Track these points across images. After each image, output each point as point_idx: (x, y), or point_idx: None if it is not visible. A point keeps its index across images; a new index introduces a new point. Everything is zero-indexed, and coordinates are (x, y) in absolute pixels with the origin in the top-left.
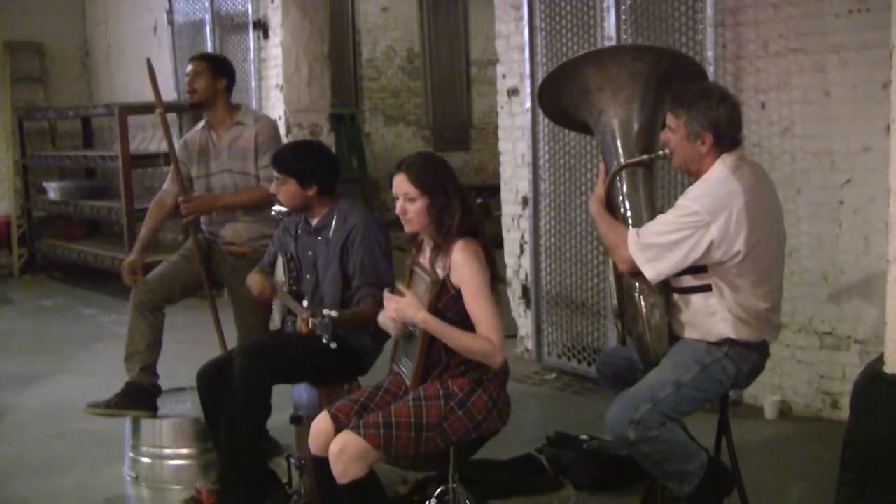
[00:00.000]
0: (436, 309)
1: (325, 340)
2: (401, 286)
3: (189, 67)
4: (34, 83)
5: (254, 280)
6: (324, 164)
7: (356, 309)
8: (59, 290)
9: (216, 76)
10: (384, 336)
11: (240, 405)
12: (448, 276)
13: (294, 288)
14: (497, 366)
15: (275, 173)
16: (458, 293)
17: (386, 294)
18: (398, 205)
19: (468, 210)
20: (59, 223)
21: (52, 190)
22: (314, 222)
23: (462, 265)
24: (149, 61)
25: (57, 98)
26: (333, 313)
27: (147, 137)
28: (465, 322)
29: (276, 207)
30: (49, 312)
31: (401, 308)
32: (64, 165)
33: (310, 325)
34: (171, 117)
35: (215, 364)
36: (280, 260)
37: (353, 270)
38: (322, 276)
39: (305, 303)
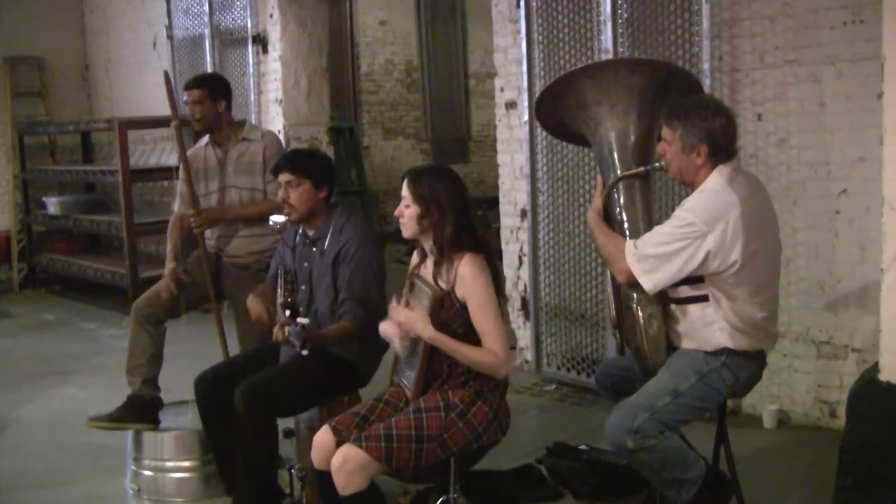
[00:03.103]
0: (438, 321)
1: (296, 348)
2: (405, 305)
3: (186, 97)
4: (34, 98)
5: (253, 304)
6: (331, 167)
7: (334, 325)
8: (60, 304)
9: (215, 99)
10: (381, 348)
11: (248, 443)
12: (453, 288)
13: (289, 300)
14: (503, 377)
15: (286, 177)
16: (463, 306)
17: (393, 306)
18: (398, 206)
19: (466, 227)
20: (58, 238)
21: (52, 204)
22: (311, 233)
23: (469, 278)
24: (166, 74)
25: (57, 112)
26: (304, 320)
27: (147, 152)
28: (468, 334)
29: (274, 219)
30: (49, 327)
31: (410, 321)
32: (64, 180)
33: (285, 333)
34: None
35: (214, 371)
36: (279, 272)
37: (341, 284)
38: (316, 287)
39: (288, 312)
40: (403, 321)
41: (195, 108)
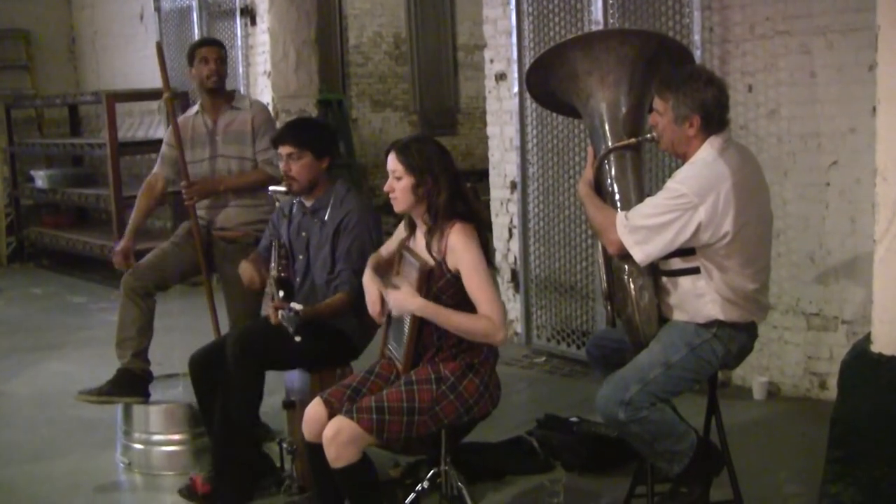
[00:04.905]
0: (428, 294)
1: (290, 333)
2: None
3: (205, 53)
4: (20, 70)
5: (244, 269)
6: (332, 136)
7: (329, 301)
8: (48, 278)
9: (227, 62)
10: (375, 322)
11: (233, 392)
12: (444, 258)
13: (283, 274)
14: (500, 343)
15: (287, 149)
16: (454, 277)
17: (372, 279)
18: (387, 182)
19: (458, 194)
20: (46, 211)
21: (40, 178)
22: (310, 204)
23: (459, 247)
24: (159, 46)
25: (44, 85)
26: (298, 307)
27: (135, 125)
28: (461, 305)
29: (274, 188)
30: (38, 300)
31: (398, 302)
32: (51, 153)
33: (279, 317)
34: (159, 104)
35: (208, 350)
36: (272, 245)
37: (340, 254)
38: (314, 258)
39: (282, 293)
40: (393, 305)
41: (220, 65)
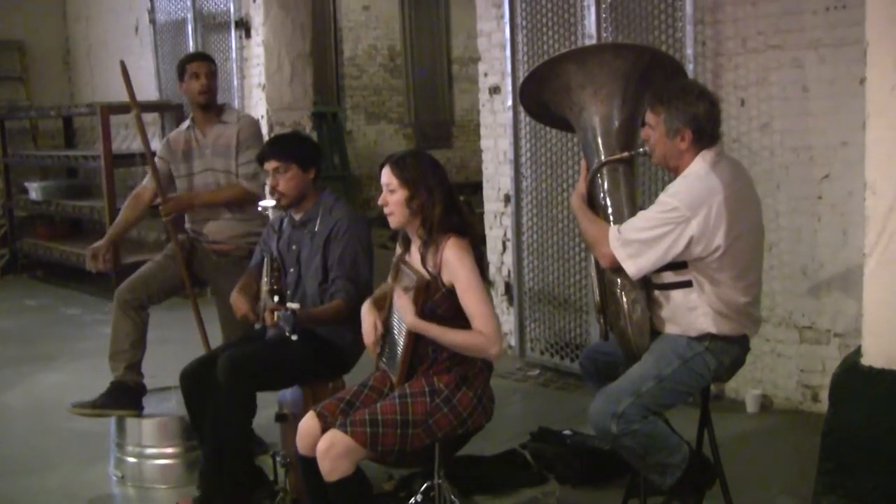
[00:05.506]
0: (424, 308)
1: (287, 333)
2: (394, 284)
3: (196, 69)
4: (15, 82)
5: (238, 302)
6: (315, 147)
7: (325, 306)
8: (42, 289)
9: (217, 76)
10: None
11: (225, 413)
12: (439, 273)
13: (275, 287)
14: (495, 357)
15: (272, 164)
16: (449, 290)
17: (370, 310)
18: (381, 196)
19: (453, 207)
20: (40, 223)
21: (34, 190)
22: (299, 216)
23: (454, 262)
24: (122, 64)
25: (38, 97)
26: (296, 306)
27: (129, 136)
28: (456, 318)
29: (262, 203)
30: (32, 312)
31: (401, 310)
32: (45, 165)
33: (274, 318)
34: (153, 117)
35: (199, 363)
36: (264, 260)
37: (332, 262)
38: (305, 269)
39: (276, 298)
40: (399, 307)
41: (211, 80)
